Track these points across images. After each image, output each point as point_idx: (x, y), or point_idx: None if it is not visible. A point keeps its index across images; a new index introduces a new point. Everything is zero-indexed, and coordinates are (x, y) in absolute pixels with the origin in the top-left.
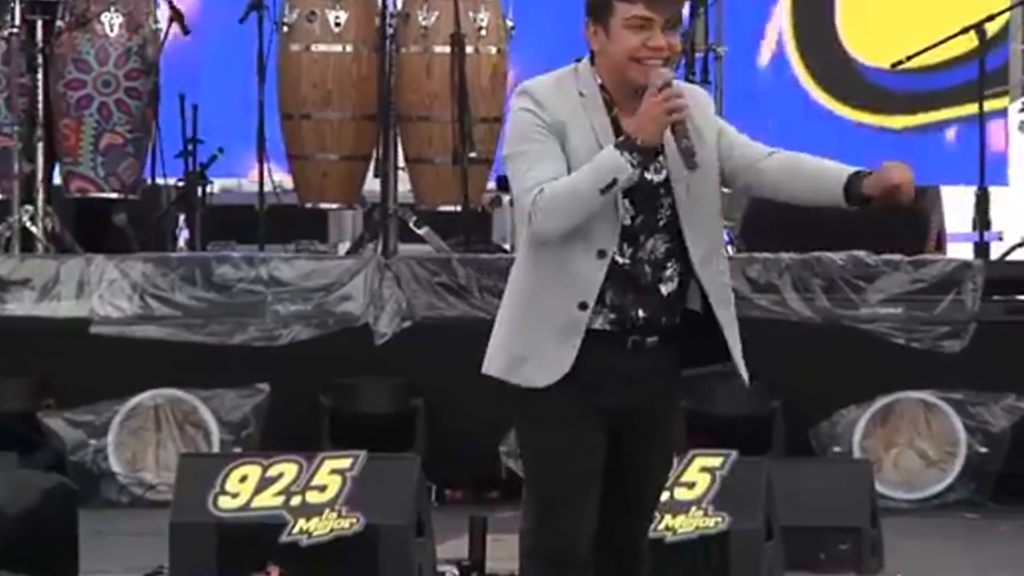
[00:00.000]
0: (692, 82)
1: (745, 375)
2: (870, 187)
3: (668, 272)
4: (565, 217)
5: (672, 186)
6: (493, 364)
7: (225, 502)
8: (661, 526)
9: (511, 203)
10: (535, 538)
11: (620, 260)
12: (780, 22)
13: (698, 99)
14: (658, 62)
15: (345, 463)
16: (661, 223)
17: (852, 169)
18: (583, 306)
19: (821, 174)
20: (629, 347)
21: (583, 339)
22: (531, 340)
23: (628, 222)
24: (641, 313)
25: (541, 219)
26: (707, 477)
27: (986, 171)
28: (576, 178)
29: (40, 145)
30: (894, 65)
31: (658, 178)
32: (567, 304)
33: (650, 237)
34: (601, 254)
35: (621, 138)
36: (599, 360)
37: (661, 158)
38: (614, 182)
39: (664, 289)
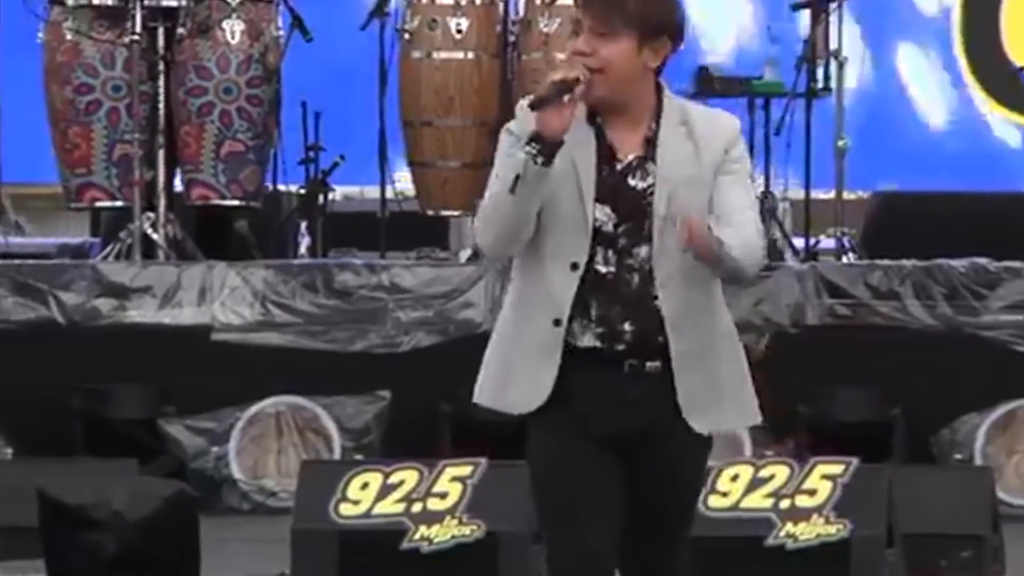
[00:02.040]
0: (814, 92)
1: (705, 429)
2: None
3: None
4: (491, 227)
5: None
6: (481, 391)
7: (346, 509)
8: (782, 533)
9: None
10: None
11: (602, 269)
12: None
13: (714, 124)
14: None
15: (466, 470)
16: (646, 232)
17: None
18: (557, 322)
19: None
20: (626, 371)
21: (573, 359)
22: (514, 363)
23: (611, 229)
24: (628, 326)
25: (478, 238)
26: (828, 484)
27: None
28: (493, 185)
29: (161, 152)
30: (1022, 69)
31: (642, 184)
32: (543, 322)
33: (639, 245)
34: (574, 267)
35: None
36: (590, 381)
37: (649, 164)
38: (517, 178)
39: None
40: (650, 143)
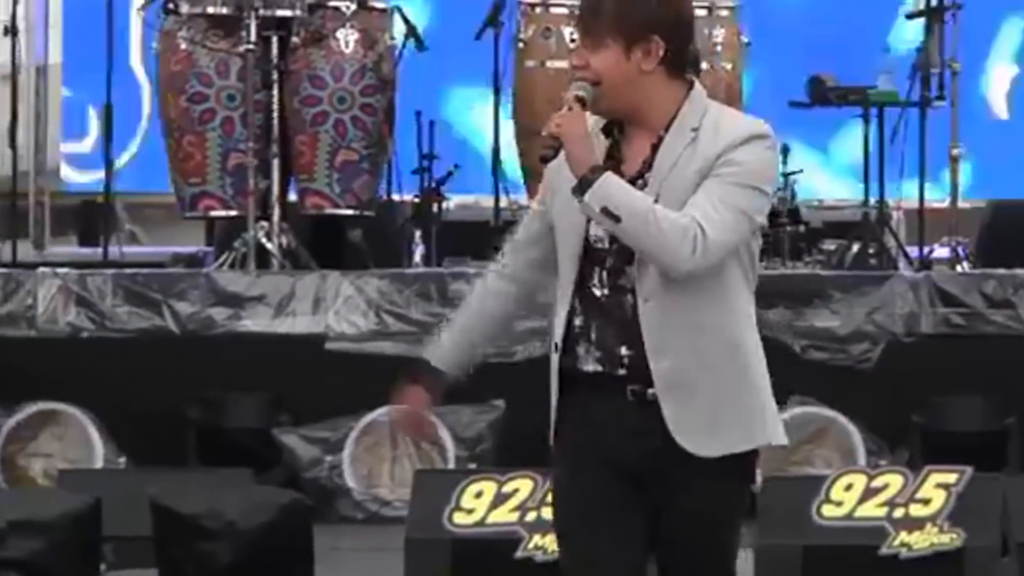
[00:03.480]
0: (928, 100)
1: (705, 453)
2: None
3: None
4: None
5: None
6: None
7: (460, 518)
8: (896, 542)
9: None
10: None
11: (597, 291)
12: None
13: (722, 128)
14: (581, 82)
15: None
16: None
17: None
18: (556, 347)
19: None
20: (630, 398)
21: (579, 384)
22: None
23: (605, 246)
24: (625, 351)
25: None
26: (942, 493)
27: None
28: None
29: (275, 162)
30: None
31: None
32: (553, 348)
33: (631, 264)
34: (571, 287)
35: None
36: (598, 408)
37: (648, 174)
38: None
39: None
40: (655, 151)
